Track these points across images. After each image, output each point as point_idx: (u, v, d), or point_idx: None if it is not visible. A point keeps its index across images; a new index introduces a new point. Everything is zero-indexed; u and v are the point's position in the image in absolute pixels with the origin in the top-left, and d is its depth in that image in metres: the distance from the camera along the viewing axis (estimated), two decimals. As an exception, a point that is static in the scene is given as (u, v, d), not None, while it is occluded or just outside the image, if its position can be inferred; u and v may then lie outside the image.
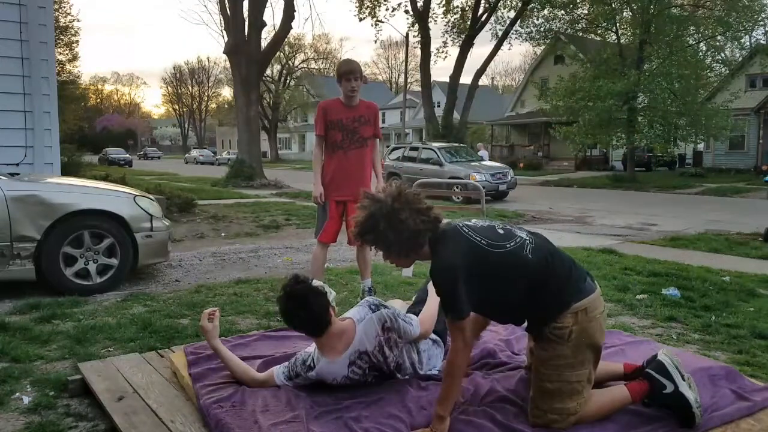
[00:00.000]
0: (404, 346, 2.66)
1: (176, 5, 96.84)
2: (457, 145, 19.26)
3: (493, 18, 25.30)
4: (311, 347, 2.68)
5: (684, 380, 2.35)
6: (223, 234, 8.56)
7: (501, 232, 2.32)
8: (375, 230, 2.25)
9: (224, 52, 20.28)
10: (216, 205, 12.16)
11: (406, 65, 31.75)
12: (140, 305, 4.57)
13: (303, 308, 2.44)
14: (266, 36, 21.86)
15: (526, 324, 2.38)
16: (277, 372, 2.68)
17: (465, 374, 2.56)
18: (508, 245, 2.25)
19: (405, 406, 2.43)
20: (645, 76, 21.52)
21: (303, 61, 52.67)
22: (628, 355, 2.95)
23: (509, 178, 16.28)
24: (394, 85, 68.17)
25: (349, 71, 4.35)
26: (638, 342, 3.18)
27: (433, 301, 2.75)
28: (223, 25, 25.23)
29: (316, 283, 2.56)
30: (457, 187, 14.27)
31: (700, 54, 23.83)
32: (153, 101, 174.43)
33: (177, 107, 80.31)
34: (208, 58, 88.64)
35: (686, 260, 6.78)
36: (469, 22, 25.02)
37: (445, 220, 2.35)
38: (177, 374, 2.85)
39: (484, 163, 17.65)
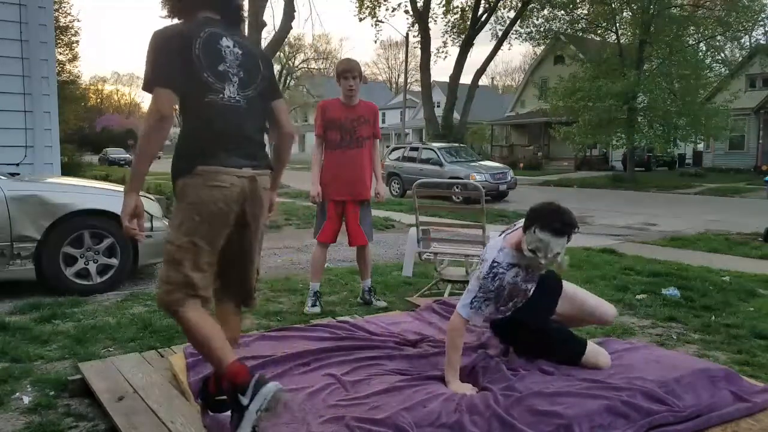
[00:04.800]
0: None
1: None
2: (457, 145, 19.25)
3: (493, 18, 25.29)
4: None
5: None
6: (223, 234, 8.54)
7: None
8: None
9: (224, 52, 20.26)
10: (216, 205, 12.11)
11: (406, 65, 31.78)
12: (140, 305, 4.57)
13: None
14: (266, 36, 21.85)
15: None
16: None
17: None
18: None
19: (406, 406, 2.42)
20: (645, 76, 21.52)
21: (303, 61, 52.73)
22: (626, 358, 2.94)
23: (509, 178, 16.29)
24: (394, 85, 68.06)
25: (347, 69, 4.36)
26: (636, 347, 3.17)
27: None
28: (223, 25, 25.19)
29: None
30: (457, 187, 14.26)
31: (700, 54, 23.82)
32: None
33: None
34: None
35: (686, 260, 6.78)
36: (468, 23, 24.97)
37: None
38: (176, 378, 2.84)
39: (484, 163, 17.66)
